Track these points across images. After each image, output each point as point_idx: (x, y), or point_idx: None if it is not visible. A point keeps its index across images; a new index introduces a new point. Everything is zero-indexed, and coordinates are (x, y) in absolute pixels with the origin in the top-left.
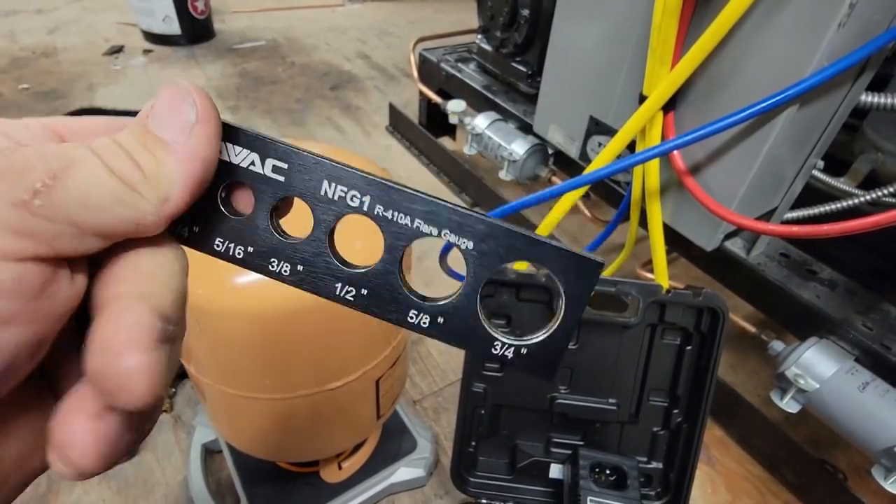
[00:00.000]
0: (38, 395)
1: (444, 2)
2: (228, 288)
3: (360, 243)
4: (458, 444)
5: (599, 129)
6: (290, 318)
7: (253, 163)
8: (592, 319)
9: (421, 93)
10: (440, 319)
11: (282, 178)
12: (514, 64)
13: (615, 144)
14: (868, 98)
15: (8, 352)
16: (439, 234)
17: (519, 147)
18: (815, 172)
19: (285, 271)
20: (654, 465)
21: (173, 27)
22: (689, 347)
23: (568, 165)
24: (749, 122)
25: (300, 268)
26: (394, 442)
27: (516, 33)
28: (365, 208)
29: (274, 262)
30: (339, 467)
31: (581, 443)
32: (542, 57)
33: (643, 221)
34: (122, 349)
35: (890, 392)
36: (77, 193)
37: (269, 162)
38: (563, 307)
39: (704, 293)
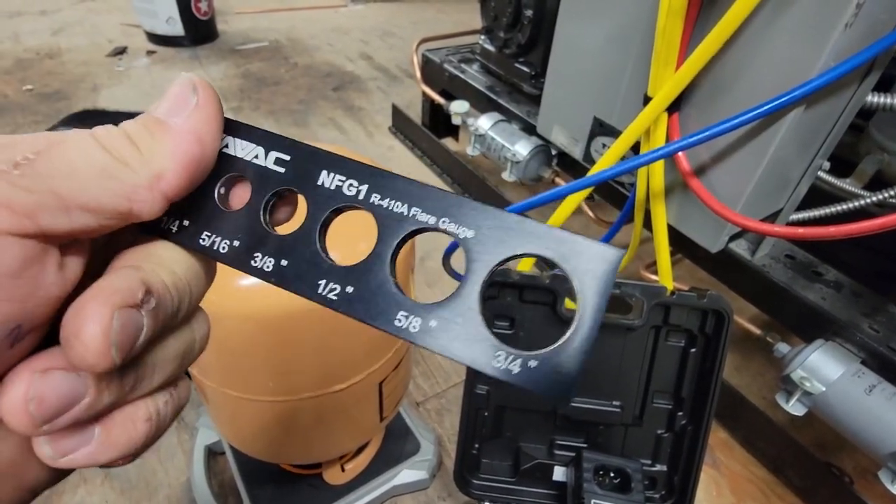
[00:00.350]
0: None
1: (446, 2)
2: (231, 291)
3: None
4: (461, 446)
5: (603, 130)
6: (293, 320)
7: (256, 156)
8: None
9: (424, 94)
10: (433, 323)
11: (282, 170)
12: (517, 65)
13: (619, 146)
14: (874, 98)
15: None
16: (437, 224)
17: (522, 148)
18: (821, 174)
19: (268, 267)
20: (658, 467)
21: (176, 28)
22: (693, 350)
23: (571, 167)
24: (754, 123)
25: (284, 262)
26: (397, 444)
27: (520, 34)
28: (361, 197)
29: (258, 256)
30: (342, 469)
31: (584, 445)
32: (546, 58)
33: (647, 223)
34: (89, 301)
35: None
36: (62, 165)
37: (273, 154)
38: (580, 309)
39: (709, 295)
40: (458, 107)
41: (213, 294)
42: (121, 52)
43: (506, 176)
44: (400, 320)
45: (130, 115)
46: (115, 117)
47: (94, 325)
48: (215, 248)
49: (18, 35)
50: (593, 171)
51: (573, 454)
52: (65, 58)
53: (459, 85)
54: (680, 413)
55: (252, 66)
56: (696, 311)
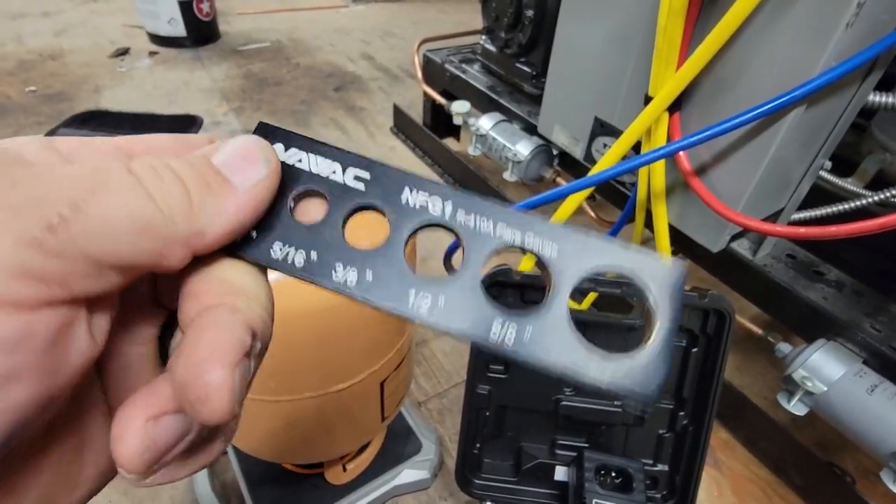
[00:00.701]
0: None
1: (447, 3)
2: None
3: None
4: (462, 445)
5: (604, 129)
6: (295, 320)
7: (334, 172)
8: (597, 321)
9: (425, 94)
10: (527, 334)
11: (362, 187)
12: (518, 65)
13: (620, 145)
14: (876, 98)
15: (11, 413)
16: (522, 239)
17: (523, 148)
18: (823, 173)
19: (351, 280)
20: (659, 467)
21: (178, 29)
22: (694, 349)
23: (573, 166)
24: (756, 122)
25: (369, 274)
26: (398, 444)
27: (521, 34)
28: (446, 215)
29: (339, 267)
30: (344, 469)
31: (586, 445)
32: (547, 57)
33: (649, 223)
34: (208, 363)
35: None
36: (100, 222)
37: (351, 171)
38: (659, 316)
39: (710, 295)
40: (460, 107)
41: None
42: (123, 53)
43: (507, 176)
44: (495, 331)
45: (133, 117)
46: (118, 118)
47: (223, 388)
48: (289, 260)
49: (21, 36)
50: (594, 170)
51: (575, 454)
52: (67, 59)
53: (461, 85)
54: (681, 413)
55: (254, 67)
56: (697, 311)
